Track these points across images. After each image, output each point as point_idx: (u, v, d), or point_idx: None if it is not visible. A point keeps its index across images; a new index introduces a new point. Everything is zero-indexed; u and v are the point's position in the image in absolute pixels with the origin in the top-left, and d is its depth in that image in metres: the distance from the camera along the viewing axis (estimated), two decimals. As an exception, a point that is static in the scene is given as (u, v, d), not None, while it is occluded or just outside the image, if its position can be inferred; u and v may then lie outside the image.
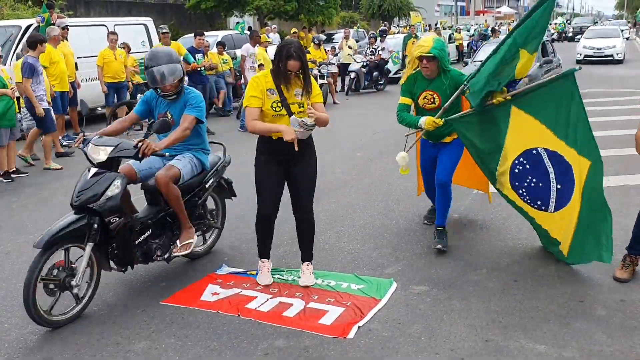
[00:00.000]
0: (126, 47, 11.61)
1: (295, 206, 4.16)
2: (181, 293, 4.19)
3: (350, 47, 16.69)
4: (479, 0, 72.36)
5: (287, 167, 4.03)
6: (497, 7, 76.08)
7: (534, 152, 4.24)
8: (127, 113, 10.70)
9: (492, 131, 4.40)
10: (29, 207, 6.55)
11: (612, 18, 79.07)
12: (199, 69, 10.41)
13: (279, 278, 4.32)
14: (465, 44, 28.27)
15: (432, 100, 4.68)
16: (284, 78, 3.86)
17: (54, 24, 10.52)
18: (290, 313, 3.79)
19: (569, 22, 56.28)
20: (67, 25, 10.08)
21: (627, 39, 39.32)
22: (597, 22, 52.41)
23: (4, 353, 3.48)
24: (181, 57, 9.77)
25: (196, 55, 11.32)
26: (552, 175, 4.19)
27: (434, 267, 4.46)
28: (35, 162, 8.70)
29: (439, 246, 4.69)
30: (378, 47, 16.30)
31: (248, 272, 4.47)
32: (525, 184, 4.33)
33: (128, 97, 11.51)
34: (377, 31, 18.41)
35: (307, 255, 4.30)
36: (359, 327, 3.58)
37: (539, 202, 4.32)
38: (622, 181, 6.51)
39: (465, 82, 4.48)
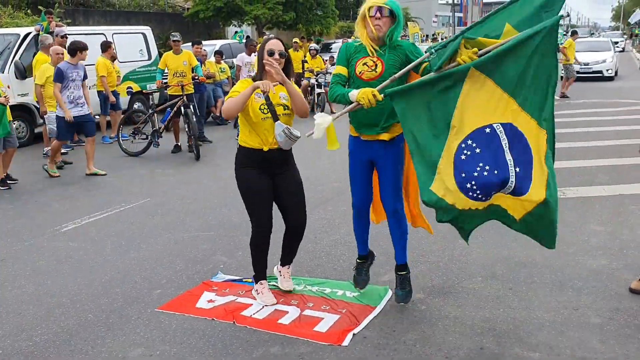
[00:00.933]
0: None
1: (290, 217, 4.05)
2: (177, 300, 4.18)
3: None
4: (476, 11, 72.74)
5: (274, 179, 3.95)
6: (494, 18, 76.39)
7: (487, 130, 3.26)
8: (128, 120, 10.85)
9: (440, 108, 3.37)
10: (25, 214, 6.55)
11: (608, 29, 79.48)
12: (196, 77, 10.44)
13: (274, 285, 4.32)
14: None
15: (373, 67, 3.64)
16: (264, 69, 3.79)
17: (52, 33, 10.57)
18: (285, 320, 3.80)
19: (565, 33, 56.52)
20: (65, 34, 10.11)
21: (623, 50, 39.24)
22: (593, 34, 52.59)
23: (-2, 359, 3.48)
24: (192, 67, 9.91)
25: (194, 64, 11.37)
26: (508, 157, 3.24)
27: (428, 275, 4.47)
28: (38, 170, 8.73)
29: (402, 302, 3.95)
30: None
31: (244, 280, 4.47)
32: (475, 174, 3.25)
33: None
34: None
35: (290, 259, 4.30)
36: (353, 334, 3.59)
37: (493, 194, 3.34)
38: (617, 190, 6.54)
39: (432, 51, 3.59)
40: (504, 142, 3.23)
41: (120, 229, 5.88)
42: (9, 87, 10.64)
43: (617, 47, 37.91)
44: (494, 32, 3.37)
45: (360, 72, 3.65)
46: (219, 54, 13.10)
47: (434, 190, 3.34)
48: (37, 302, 4.24)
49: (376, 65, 3.63)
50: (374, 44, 3.67)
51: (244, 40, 16.98)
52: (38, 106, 9.18)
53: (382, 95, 3.43)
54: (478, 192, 3.29)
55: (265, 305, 4.02)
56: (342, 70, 3.74)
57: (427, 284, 4.32)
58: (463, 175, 3.28)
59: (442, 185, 3.32)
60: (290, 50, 17.33)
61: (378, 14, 3.58)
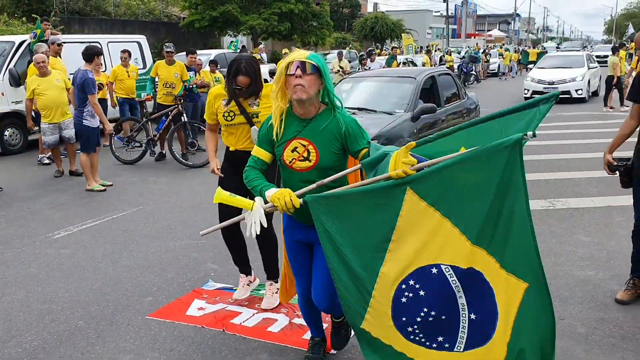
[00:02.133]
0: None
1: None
2: (167, 308, 4.21)
3: (341, 68, 16.90)
4: (470, 23, 73.33)
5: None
6: (488, 31, 77.17)
7: (434, 270, 2.55)
8: (132, 128, 10.86)
9: (372, 227, 2.63)
10: (16, 222, 6.55)
11: (601, 42, 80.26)
12: (190, 86, 10.50)
13: (264, 293, 4.35)
14: (455, 65, 28.68)
15: (304, 155, 2.88)
16: (231, 94, 3.89)
17: (46, 41, 10.60)
18: (274, 328, 3.83)
19: (558, 46, 57.11)
20: (61, 42, 10.16)
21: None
22: (586, 47, 53.07)
23: (-13, 365, 3.49)
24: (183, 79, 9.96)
25: (188, 73, 11.42)
26: (461, 301, 2.55)
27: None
28: (32, 177, 8.72)
29: (337, 349, 3.47)
30: (369, 67, 16.53)
31: (234, 288, 4.50)
32: (419, 319, 2.61)
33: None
34: (368, 51, 18.68)
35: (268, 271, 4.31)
36: (342, 342, 3.62)
37: (439, 339, 2.63)
38: (606, 202, 6.62)
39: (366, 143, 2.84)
40: (455, 285, 2.53)
41: (112, 237, 5.90)
42: (2, 94, 10.68)
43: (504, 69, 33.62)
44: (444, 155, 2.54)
45: (290, 162, 2.90)
46: (213, 63, 13.17)
47: (365, 328, 2.71)
48: (27, 309, 4.25)
49: (308, 152, 2.86)
50: (301, 116, 2.88)
51: (239, 50, 17.10)
52: (33, 113, 9.09)
53: (300, 201, 2.70)
54: (421, 336, 2.64)
55: (244, 300, 4.28)
56: (261, 154, 2.97)
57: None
58: (404, 319, 2.63)
59: (377, 323, 2.68)
60: (282, 60, 17.48)
61: (299, 71, 2.74)
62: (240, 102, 3.95)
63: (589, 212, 6.31)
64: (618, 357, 3.42)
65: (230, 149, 4.09)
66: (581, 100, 17.39)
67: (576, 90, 17.18)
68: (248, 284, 4.41)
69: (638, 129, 4.13)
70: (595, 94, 19.13)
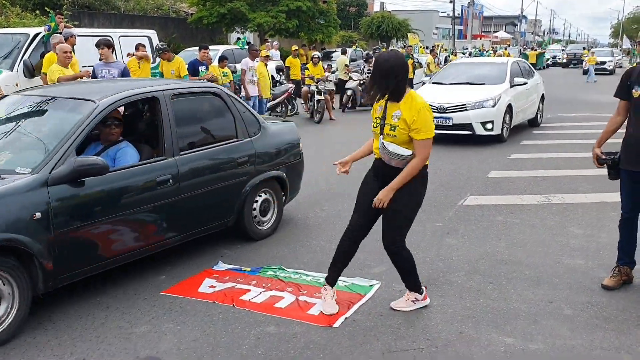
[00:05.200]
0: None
1: (383, 235, 3.90)
2: (180, 285, 4.49)
3: (346, 66, 17.17)
4: (476, 24, 73.45)
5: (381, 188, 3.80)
6: (494, 32, 77.27)
7: None
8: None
9: None
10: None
11: (607, 46, 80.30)
12: (200, 80, 10.80)
13: (271, 274, 4.63)
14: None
15: None
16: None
17: (60, 33, 10.88)
18: (281, 304, 4.10)
19: (563, 49, 57.21)
20: (74, 35, 10.43)
21: (612, 72, 34.40)
22: (589, 48, 53.03)
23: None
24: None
25: (200, 67, 11.69)
26: None
27: (416, 269, 4.77)
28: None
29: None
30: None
31: (243, 269, 4.77)
32: None
33: None
34: (372, 50, 18.95)
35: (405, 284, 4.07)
36: (345, 317, 3.89)
37: None
38: (600, 198, 6.86)
39: None
40: None
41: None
42: (17, 84, 10.96)
43: (608, 67, 32.17)
44: None
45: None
46: (225, 59, 13.44)
47: None
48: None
49: None
50: None
51: (246, 47, 17.36)
52: None
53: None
54: None
55: (252, 279, 4.47)
56: None
57: (414, 276, 4.62)
58: None
59: None
60: (290, 57, 17.74)
61: None
62: (387, 110, 3.75)
63: (582, 207, 6.57)
64: (600, 335, 3.69)
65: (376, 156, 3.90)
66: (495, 139, 10.68)
67: (483, 124, 10.47)
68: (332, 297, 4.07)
69: (625, 123, 4.38)
70: (532, 123, 12.75)
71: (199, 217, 4.89)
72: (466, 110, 10.47)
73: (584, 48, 53.49)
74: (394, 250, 3.87)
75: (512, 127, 11.24)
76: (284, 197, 5.81)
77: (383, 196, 3.71)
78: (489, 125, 10.51)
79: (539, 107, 12.97)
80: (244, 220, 5.30)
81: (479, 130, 10.50)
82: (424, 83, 14.37)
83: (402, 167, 3.71)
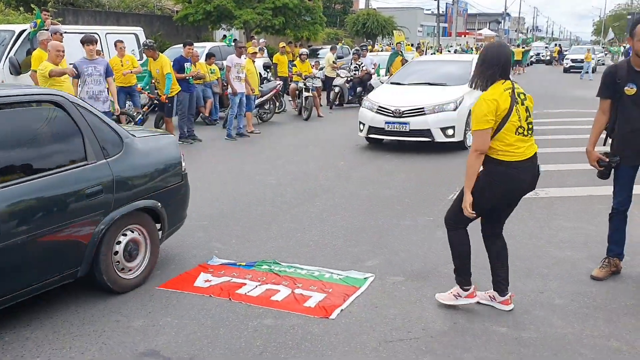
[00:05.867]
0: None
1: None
2: (175, 280, 4.51)
3: (334, 63, 17.21)
4: (460, 22, 73.87)
5: None
6: (479, 30, 77.74)
7: None
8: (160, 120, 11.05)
9: None
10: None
11: (589, 43, 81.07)
12: (186, 77, 10.76)
13: (266, 268, 4.67)
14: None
15: None
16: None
17: (47, 30, 10.80)
18: (277, 297, 4.14)
19: (547, 46, 57.73)
20: (61, 32, 10.36)
21: (593, 70, 31.58)
22: (572, 45, 53.59)
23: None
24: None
25: (185, 64, 11.67)
26: None
27: (409, 262, 4.84)
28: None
29: None
30: (361, 63, 16.81)
31: (237, 264, 4.81)
32: None
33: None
34: (360, 47, 19.02)
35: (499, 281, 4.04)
36: (341, 309, 3.94)
37: None
38: (587, 192, 6.97)
39: None
40: None
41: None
42: (3, 82, 10.86)
43: (588, 68, 27.84)
44: None
45: None
46: (212, 56, 13.42)
47: None
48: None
49: None
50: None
51: (232, 44, 17.35)
52: None
53: None
54: None
55: (247, 274, 4.49)
56: None
57: (407, 269, 4.69)
58: None
59: None
60: (277, 54, 17.76)
61: None
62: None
63: (570, 201, 6.68)
64: (590, 324, 3.78)
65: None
66: (452, 146, 9.58)
67: (443, 130, 9.41)
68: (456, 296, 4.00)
69: (618, 118, 4.40)
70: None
71: (27, 272, 3.62)
72: (424, 114, 9.37)
73: (571, 46, 53.96)
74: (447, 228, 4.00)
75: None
76: (160, 233, 4.60)
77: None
78: (449, 131, 9.40)
79: None
80: (99, 269, 4.02)
81: (439, 137, 9.40)
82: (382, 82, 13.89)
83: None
